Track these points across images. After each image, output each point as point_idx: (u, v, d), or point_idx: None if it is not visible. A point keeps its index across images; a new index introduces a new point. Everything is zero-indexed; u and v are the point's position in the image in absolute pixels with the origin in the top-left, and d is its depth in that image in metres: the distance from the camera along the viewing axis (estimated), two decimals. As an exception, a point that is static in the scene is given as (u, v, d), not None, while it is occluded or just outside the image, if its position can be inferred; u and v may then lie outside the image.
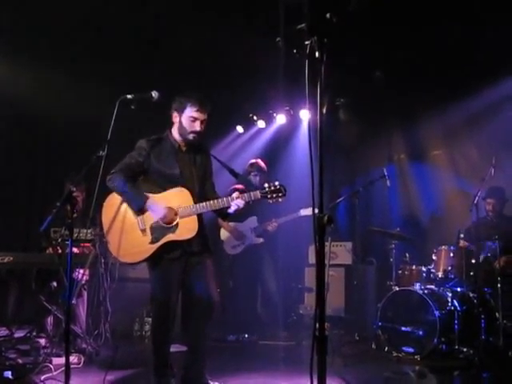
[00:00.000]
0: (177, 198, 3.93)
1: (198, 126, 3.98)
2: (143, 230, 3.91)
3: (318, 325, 1.98)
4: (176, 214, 3.89)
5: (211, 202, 3.91)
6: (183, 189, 3.94)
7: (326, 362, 1.97)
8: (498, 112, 6.62)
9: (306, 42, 2.11)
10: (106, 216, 4.03)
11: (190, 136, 4.00)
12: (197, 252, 3.98)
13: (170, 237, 3.88)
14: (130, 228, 3.94)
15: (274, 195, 3.94)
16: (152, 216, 3.91)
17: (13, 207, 7.34)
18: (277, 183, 3.96)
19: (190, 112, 3.97)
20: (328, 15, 2.09)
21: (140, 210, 3.92)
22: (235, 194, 3.94)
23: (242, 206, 3.95)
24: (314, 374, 2.05)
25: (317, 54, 2.10)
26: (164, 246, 3.89)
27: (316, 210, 6.32)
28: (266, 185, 3.98)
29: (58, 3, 5.44)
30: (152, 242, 3.88)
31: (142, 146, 4.03)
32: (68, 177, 5.96)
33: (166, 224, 3.88)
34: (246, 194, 3.95)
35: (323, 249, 2.02)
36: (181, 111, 4.01)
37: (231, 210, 3.98)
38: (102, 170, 3.76)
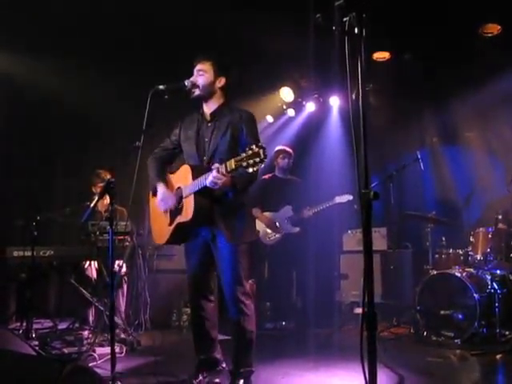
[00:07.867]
0: (179, 177, 3.86)
1: (194, 77, 3.86)
2: (165, 213, 3.93)
3: (366, 302, 1.95)
4: (181, 195, 3.79)
5: (196, 180, 3.63)
6: (186, 166, 3.80)
7: (376, 338, 1.96)
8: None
9: (345, 19, 2.10)
10: (152, 203, 4.12)
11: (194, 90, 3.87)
12: (208, 237, 3.82)
13: (178, 219, 3.80)
14: (161, 212, 3.98)
15: (251, 161, 3.23)
16: None
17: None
18: (254, 146, 3.24)
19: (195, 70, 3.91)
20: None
21: (154, 194, 3.96)
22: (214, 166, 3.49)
23: (216, 180, 3.44)
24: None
25: (356, 30, 2.09)
26: (178, 229, 3.82)
27: (351, 197, 6.31)
28: (247, 150, 3.27)
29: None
30: (169, 225, 3.89)
31: (176, 125, 4.07)
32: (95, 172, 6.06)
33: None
34: (221, 166, 3.39)
35: (370, 225, 1.99)
36: None
37: (208, 184, 3.51)
38: (138, 161, 3.77)
